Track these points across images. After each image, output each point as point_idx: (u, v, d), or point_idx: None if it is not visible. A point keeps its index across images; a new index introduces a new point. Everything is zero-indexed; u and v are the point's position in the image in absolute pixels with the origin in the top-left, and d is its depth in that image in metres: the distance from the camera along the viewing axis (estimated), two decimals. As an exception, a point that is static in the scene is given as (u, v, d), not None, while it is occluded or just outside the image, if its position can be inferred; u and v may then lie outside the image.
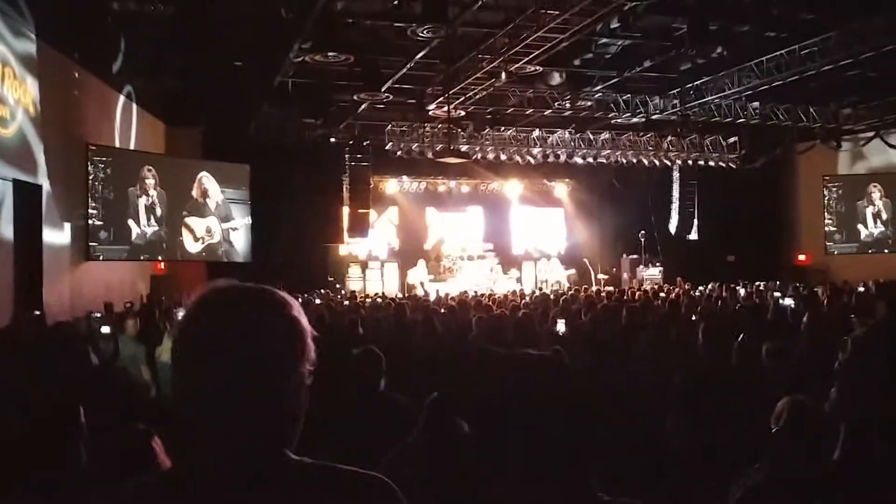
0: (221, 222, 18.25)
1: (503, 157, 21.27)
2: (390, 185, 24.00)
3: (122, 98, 16.09)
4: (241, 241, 18.77)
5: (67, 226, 13.70)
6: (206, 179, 17.96)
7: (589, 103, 18.17)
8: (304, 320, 1.45)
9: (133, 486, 1.43)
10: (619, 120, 19.39)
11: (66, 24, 12.70)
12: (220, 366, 1.35)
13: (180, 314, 1.45)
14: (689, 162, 22.40)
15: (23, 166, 11.72)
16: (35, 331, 8.71)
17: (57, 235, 13.21)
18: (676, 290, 16.22)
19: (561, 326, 7.89)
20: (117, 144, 15.86)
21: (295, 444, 1.43)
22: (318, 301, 14.54)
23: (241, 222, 18.75)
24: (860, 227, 22.37)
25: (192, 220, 17.60)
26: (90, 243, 14.59)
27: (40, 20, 11.93)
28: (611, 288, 18.83)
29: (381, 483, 1.42)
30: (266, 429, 1.38)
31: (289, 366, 1.40)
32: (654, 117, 19.06)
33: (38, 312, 10.59)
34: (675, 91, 17.76)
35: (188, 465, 1.41)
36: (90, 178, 14.54)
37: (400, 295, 19.25)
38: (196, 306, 1.43)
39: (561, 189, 26.12)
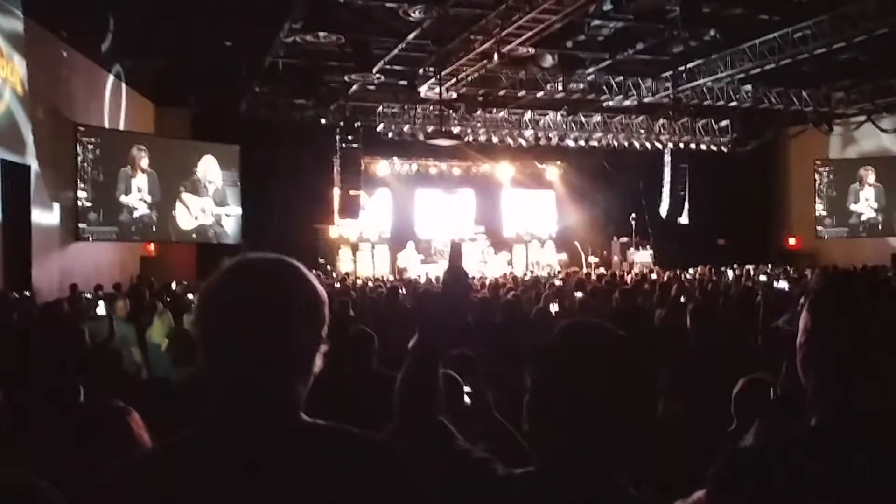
0: (216, 206, 18.22)
1: (495, 139, 21.23)
2: (381, 167, 23.92)
3: (111, 78, 15.96)
4: (231, 224, 18.72)
5: (56, 206, 13.63)
6: (210, 163, 17.95)
7: (581, 86, 18.11)
8: (322, 290, 1.51)
9: (150, 451, 1.51)
10: (610, 103, 19.35)
11: (53, 1, 12.56)
12: (243, 328, 1.41)
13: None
14: (681, 145, 22.40)
15: (10, 146, 11.63)
16: (24, 311, 8.69)
17: (46, 216, 13.14)
18: (668, 273, 16.27)
19: (554, 307, 7.98)
20: (106, 125, 15.76)
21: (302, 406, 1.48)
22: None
23: (236, 210, 18.73)
24: (852, 210, 22.43)
25: (188, 197, 17.55)
26: (79, 224, 14.52)
27: (28, -2, 11.81)
28: (602, 270, 18.85)
29: (395, 450, 1.48)
30: (284, 390, 1.44)
31: (308, 331, 1.46)
32: (646, 100, 19.03)
33: (27, 293, 10.55)
34: (667, 74, 17.73)
35: (207, 425, 1.45)
36: (79, 158, 14.46)
37: (391, 277, 19.23)
38: (223, 272, 1.48)
39: (552, 172, 26.08)
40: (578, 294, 9.81)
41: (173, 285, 13.37)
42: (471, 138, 20.70)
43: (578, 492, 1.48)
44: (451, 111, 19.54)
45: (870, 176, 22.19)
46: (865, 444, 1.43)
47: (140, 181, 16.33)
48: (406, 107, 20.07)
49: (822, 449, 1.45)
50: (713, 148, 22.50)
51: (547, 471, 1.51)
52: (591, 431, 1.48)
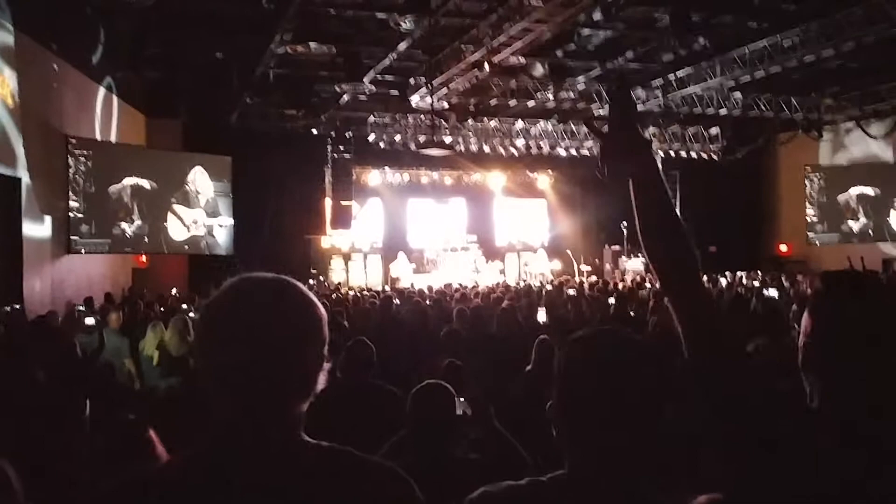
0: (208, 217, 18.18)
1: (486, 148, 21.27)
2: (373, 177, 23.93)
3: (102, 90, 15.93)
4: (223, 235, 18.67)
5: (48, 219, 13.56)
6: (200, 174, 17.91)
7: (571, 94, 18.18)
8: (322, 309, 1.52)
9: (152, 470, 1.50)
10: (601, 111, 19.41)
11: (44, 14, 12.54)
12: (246, 348, 1.40)
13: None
14: (672, 153, 22.48)
15: (2, 159, 11.58)
16: (16, 324, 8.65)
17: (37, 229, 13.08)
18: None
19: (542, 316, 7.95)
20: (98, 137, 15.72)
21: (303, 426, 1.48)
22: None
23: (228, 220, 18.67)
24: (844, 217, 22.45)
25: (180, 209, 17.50)
26: (71, 236, 14.45)
27: (17, 10, 11.77)
28: (594, 278, 18.87)
29: (397, 474, 1.48)
30: (286, 411, 1.44)
31: (310, 351, 1.46)
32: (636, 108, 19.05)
33: (18, 306, 10.50)
34: (657, 82, 17.80)
35: (207, 446, 1.44)
36: (71, 171, 14.40)
37: (387, 287, 19.21)
38: (224, 291, 1.48)
39: (544, 180, 26.14)
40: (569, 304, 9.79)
41: (173, 291, 13.35)
42: (462, 148, 20.73)
43: (612, 496, 1.50)
44: (442, 121, 19.57)
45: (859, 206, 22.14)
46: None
47: (131, 195, 16.25)
48: (397, 116, 20.11)
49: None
50: (703, 155, 22.59)
51: (580, 475, 1.53)
52: (626, 437, 1.50)
